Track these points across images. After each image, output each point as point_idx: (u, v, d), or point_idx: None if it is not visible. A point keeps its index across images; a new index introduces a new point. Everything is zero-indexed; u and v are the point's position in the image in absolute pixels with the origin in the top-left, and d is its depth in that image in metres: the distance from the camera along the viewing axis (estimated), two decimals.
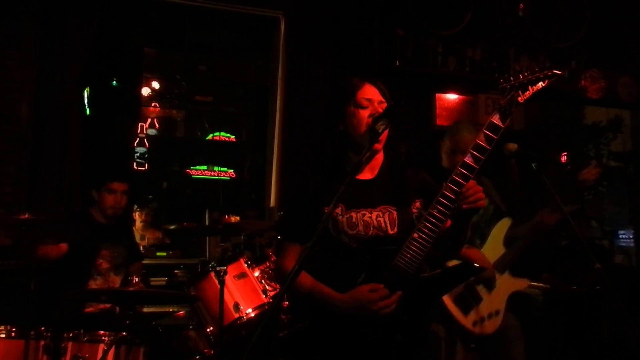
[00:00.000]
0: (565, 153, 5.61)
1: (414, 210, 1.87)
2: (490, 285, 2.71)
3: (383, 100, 1.90)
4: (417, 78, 4.90)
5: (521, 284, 2.83)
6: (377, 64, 4.78)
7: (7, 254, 3.23)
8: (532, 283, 3.68)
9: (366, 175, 1.91)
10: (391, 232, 1.82)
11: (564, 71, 5.02)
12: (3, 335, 2.46)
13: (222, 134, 6.52)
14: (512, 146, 2.64)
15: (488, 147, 1.69)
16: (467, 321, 2.63)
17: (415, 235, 1.72)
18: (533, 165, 2.51)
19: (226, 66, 6.08)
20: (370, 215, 1.84)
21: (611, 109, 5.98)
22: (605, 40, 5.29)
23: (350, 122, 1.90)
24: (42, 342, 2.49)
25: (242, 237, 3.88)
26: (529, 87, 1.68)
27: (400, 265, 1.73)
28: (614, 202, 6.38)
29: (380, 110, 1.84)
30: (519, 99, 1.69)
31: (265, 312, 2.89)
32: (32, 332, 2.46)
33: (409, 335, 1.75)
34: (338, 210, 1.83)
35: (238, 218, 3.54)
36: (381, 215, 1.84)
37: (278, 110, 4.66)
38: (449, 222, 1.79)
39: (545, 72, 1.68)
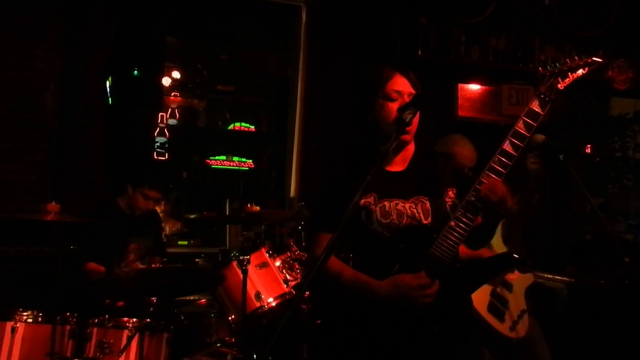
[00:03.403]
0: (589, 145, 5.52)
1: (447, 200, 1.84)
2: (508, 286, 2.67)
3: (413, 91, 1.86)
4: (439, 68, 4.83)
5: (529, 278, 2.84)
6: (399, 53, 4.73)
7: (35, 240, 3.28)
8: (556, 277, 3.63)
9: (397, 167, 1.89)
10: (425, 222, 1.80)
11: (604, 59, 4.91)
12: (30, 320, 2.52)
13: (243, 124, 6.54)
14: (539, 137, 2.59)
15: (527, 134, 1.67)
16: (504, 328, 2.61)
17: (452, 223, 1.70)
18: (560, 157, 2.46)
19: (247, 56, 6.10)
20: (403, 205, 1.82)
21: (639, 100, 5.85)
22: (634, 30, 5.15)
23: (379, 114, 1.86)
24: (68, 327, 2.55)
25: (262, 226, 3.89)
26: (569, 74, 1.67)
27: (436, 254, 1.70)
28: None
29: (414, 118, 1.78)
30: (559, 85, 1.67)
31: (289, 301, 2.90)
32: (58, 317, 2.51)
33: (445, 327, 1.72)
34: (370, 200, 1.82)
35: (259, 208, 3.54)
36: (414, 206, 1.82)
37: (299, 100, 4.65)
38: (479, 219, 1.76)
39: (586, 59, 1.66)
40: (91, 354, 2.52)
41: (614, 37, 5.09)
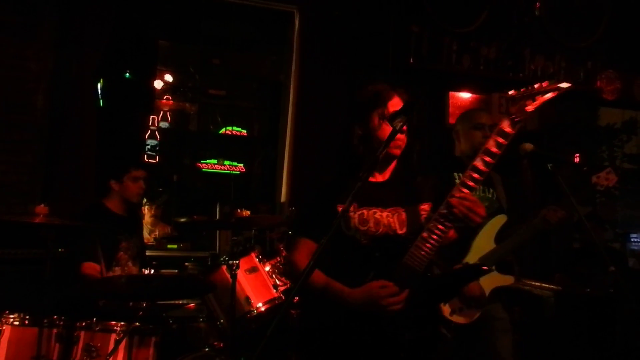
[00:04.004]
0: (577, 154, 5.58)
1: (423, 213, 1.91)
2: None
3: None
4: (430, 76, 4.88)
5: (506, 280, 2.79)
6: (391, 60, 4.77)
7: (23, 242, 3.26)
8: (544, 284, 3.67)
9: (378, 178, 1.97)
10: (400, 232, 1.87)
11: (577, 78, 5.03)
12: (17, 323, 2.50)
13: (234, 128, 6.54)
14: (528, 146, 2.64)
15: (498, 152, 1.75)
16: (445, 310, 2.60)
17: (425, 234, 1.76)
18: (548, 165, 2.50)
19: (240, 60, 6.09)
20: (381, 213, 1.88)
21: (626, 110, 5.92)
22: (623, 42, 5.23)
23: (376, 133, 1.91)
24: (55, 330, 2.52)
25: (253, 231, 3.89)
26: (537, 97, 1.73)
27: (409, 263, 1.76)
28: (627, 205, 6.32)
29: (404, 126, 1.83)
30: (527, 108, 1.73)
31: (278, 306, 2.90)
32: (45, 320, 2.49)
33: (416, 334, 1.78)
34: (351, 207, 1.87)
35: (249, 212, 3.54)
36: (391, 216, 1.89)
37: (291, 105, 4.66)
38: (453, 233, 1.82)
39: (554, 84, 1.71)
40: (78, 358, 2.50)
41: (603, 48, 5.16)
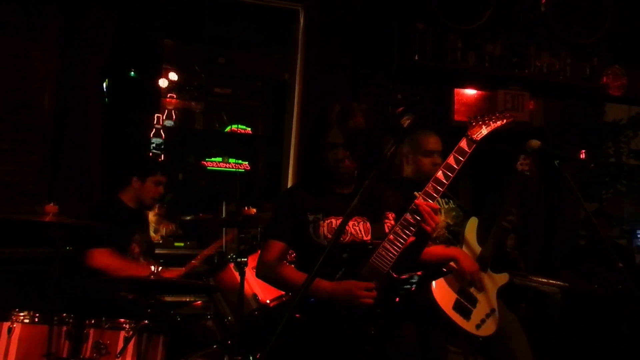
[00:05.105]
0: (583, 151, 5.57)
1: (386, 222, 2.05)
2: (479, 285, 2.70)
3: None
4: (436, 73, 4.87)
5: (503, 278, 2.83)
6: (395, 58, 4.77)
7: (31, 241, 3.28)
8: (551, 281, 3.66)
9: (345, 189, 2.09)
10: (366, 239, 2.02)
11: (583, 75, 5.08)
12: (27, 321, 2.52)
13: (240, 126, 6.55)
14: (535, 143, 2.64)
15: (456, 167, 1.99)
16: (469, 326, 2.63)
17: (391, 237, 1.93)
18: (555, 162, 2.50)
19: (245, 59, 6.11)
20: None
21: (633, 106, 5.91)
22: (629, 37, 5.21)
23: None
24: (65, 328, 2.54)
25: (259, 229, 3.90)
26: (491, 123, 2.08)
27: (375, 263, 1.91)
28: (633, 201, 6.31)
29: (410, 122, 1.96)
30: (483, 131, 2.06)
31: (286, 303, 2.91)
32: (55, 318, 2.51)
33: (381, 329, 1.90)
34: (319, 216, 2.01)
35: (255, 210, 3.56)
36: (357, 224, 2.03)
37: (296, 104, 4.66)
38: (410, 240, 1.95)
39: (503, 115, 2.12)
40: (87, 355, 2.52)
41: (608, 45, 5.14)
